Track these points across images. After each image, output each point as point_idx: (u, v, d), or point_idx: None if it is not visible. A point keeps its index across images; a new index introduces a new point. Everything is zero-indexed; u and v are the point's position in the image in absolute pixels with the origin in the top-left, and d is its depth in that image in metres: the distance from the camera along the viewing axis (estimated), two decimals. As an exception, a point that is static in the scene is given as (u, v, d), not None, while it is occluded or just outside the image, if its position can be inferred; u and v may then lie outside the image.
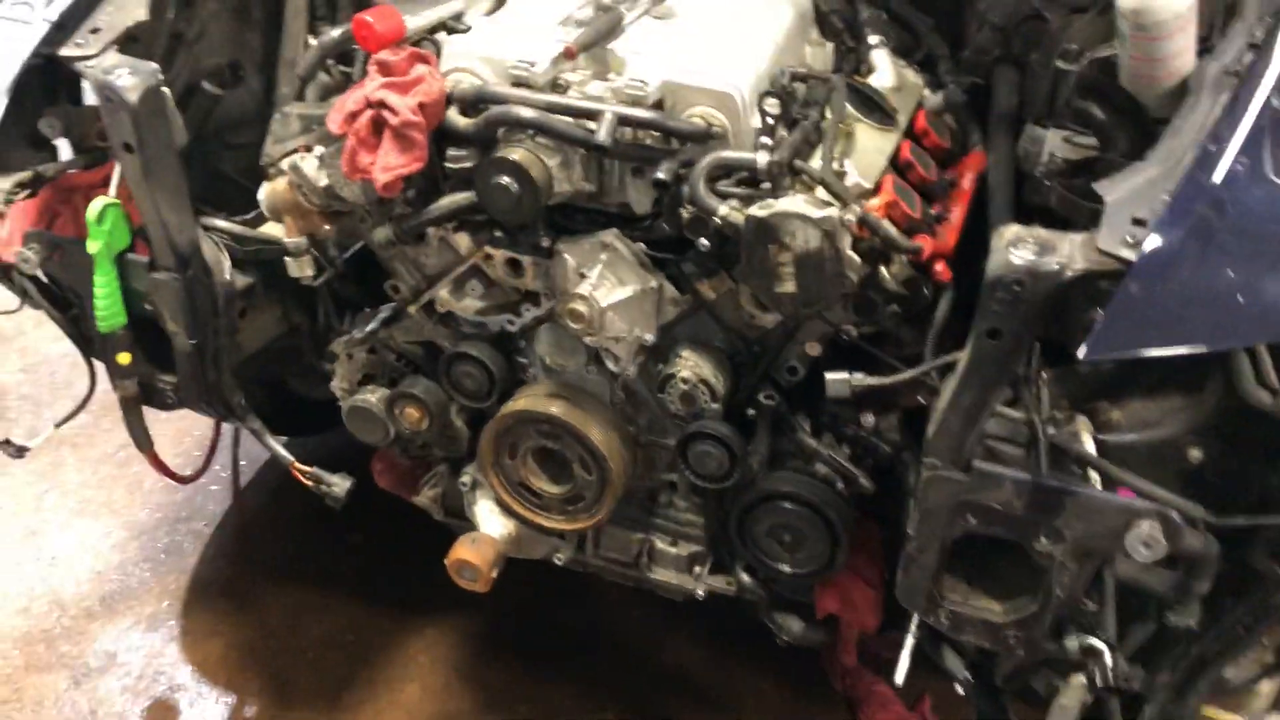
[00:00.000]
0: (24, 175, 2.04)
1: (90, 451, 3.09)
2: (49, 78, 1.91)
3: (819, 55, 1.86)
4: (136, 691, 2.46)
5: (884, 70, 1.86)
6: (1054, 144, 1.69)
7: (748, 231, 1.54)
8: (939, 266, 1.65)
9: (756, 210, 1.53)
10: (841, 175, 1.62)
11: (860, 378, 1.60)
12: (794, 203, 1.52)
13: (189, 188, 2.00)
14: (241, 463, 3.06)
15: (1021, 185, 1.79)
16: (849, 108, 1.70)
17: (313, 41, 2.11)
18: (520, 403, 1.83)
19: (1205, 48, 1.58)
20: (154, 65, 1.71)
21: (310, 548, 2.77)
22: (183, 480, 2.40)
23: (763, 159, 1.55)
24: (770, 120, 1.61)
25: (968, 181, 1.84)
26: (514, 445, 1.87)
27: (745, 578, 1.92)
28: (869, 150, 1.70)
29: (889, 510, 1.87)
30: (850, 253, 1.52)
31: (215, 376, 1.97)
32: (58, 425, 2.22)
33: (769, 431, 1.79)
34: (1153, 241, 1.29)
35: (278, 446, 2.06)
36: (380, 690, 2.47)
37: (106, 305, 1.83)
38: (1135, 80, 1.60)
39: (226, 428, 2.77)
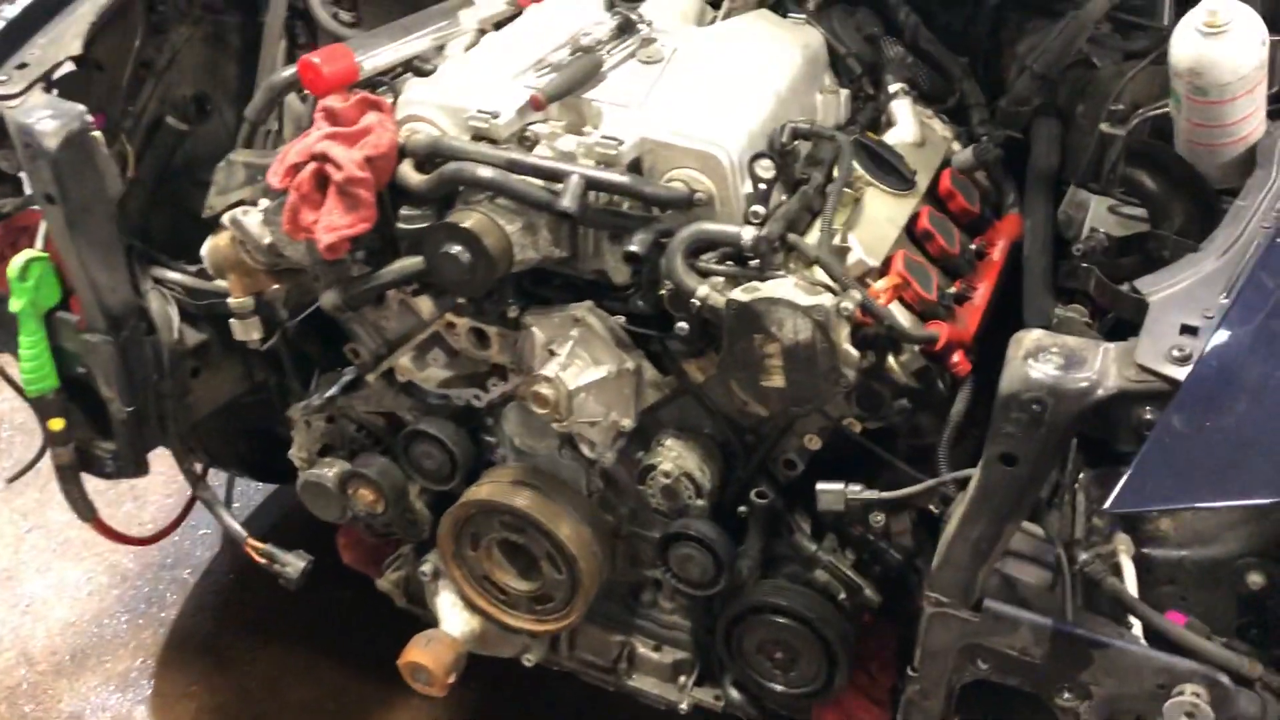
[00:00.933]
0: (-37, 220, 1.89)
1: (89, 484, 2.97)
2: None
3: (831, 104, 1.63)
4: (100, 759, 2.30)
5: (905, 123, 1.64)
6: (1098, 215, 1.47)
7: (729, 318, 1.33)
8: (957, 357, 1.42)
9: (739, 294, 1.32)
10: (844, 251, 1.40)
11: (857, 490, 1.38)
12: (782, 287, 1.30)
13: (157, 229, 1.86)
14: (235, 505, 2.90)
15: (1061, 254, 1.56)
16: (859, 170, 1.48)
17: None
18: (483, 490, 1.63)
19: (1277, 109, 1.35)
20: (80, 108, 1.54)
21: (298, 602, 2.58)
22: (141, 543, 2.24)
23: (748, 233, 1.34)
24: (763, 185, 1.40)
25: (998, 252, 1.62)
26: (475, 536, 1.67)
27: (734, 693, 1.70)
28: (879, 220, 1.48)
29: (904, 611, 1.64)
30: (846, 346, 1.30)
31: (161, 442, 1.80)
32: (10, 480, 2.07)
33: (761, 533, 1.58)
34: (1205, 359, 1.05)
35: (230, 520, 1.89)
36: (363, 763, 2.29)
37: (34, 368, 1.67)
38: (1193, 147, 1.37)
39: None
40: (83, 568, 2.72)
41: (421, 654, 1.66)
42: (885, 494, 1.37)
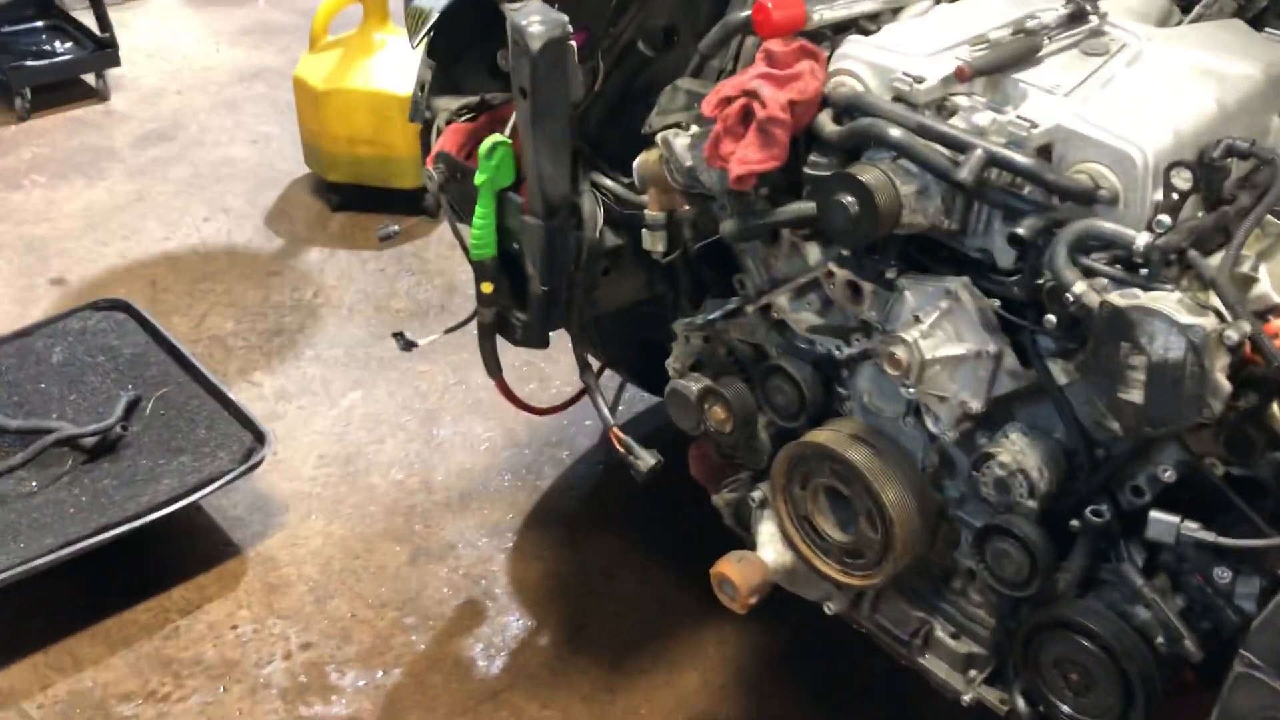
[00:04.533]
0: (472, 100, 2.21)
1: (506, 357, 3.37)
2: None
3: (1295, 130, 1.51)
4: (457, 587, 2.64)
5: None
6: None
7: (1100, 320, 1.29)
8: (1353, 425, 1.29)
9: (1116, 298, 1.28)
10: (1249, 281, 1.31)
11: (1193, 527, 1.30)
12: (1164, 299, 1.25)
13: (608, 141, 2.06)
14: (620, 408, 3.18)
15: None
16: (1293, 200, 1.37)
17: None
18: (822, 435, 1.70)
19: None
20: (564, 18, 1.76)
21: (652, 505, 2.80)
22: (535, 411, 2.52)
23: (1143, 239, 1.29)
24: (1175, 195, 1.34)
25: None
26: (806, 476, 1.75)
27: (1021, 703, 1.66)
28: (1306, 259, 1.36)
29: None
30: (1219, 376, 1.23)
31: (564, 323, 2.03)
32: (447, 331, 2.41)
33: (1088, 552, 1.52)
34: None
35: (603, 406, 2.09)
36: (661, 668, 2.46)
37: (480, 236, 1.94)
38: None
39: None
40: (486, 425, 3.10)
41: (733, 568, 1.77)
42: (1222, 539, 1.29)
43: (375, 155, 3.76)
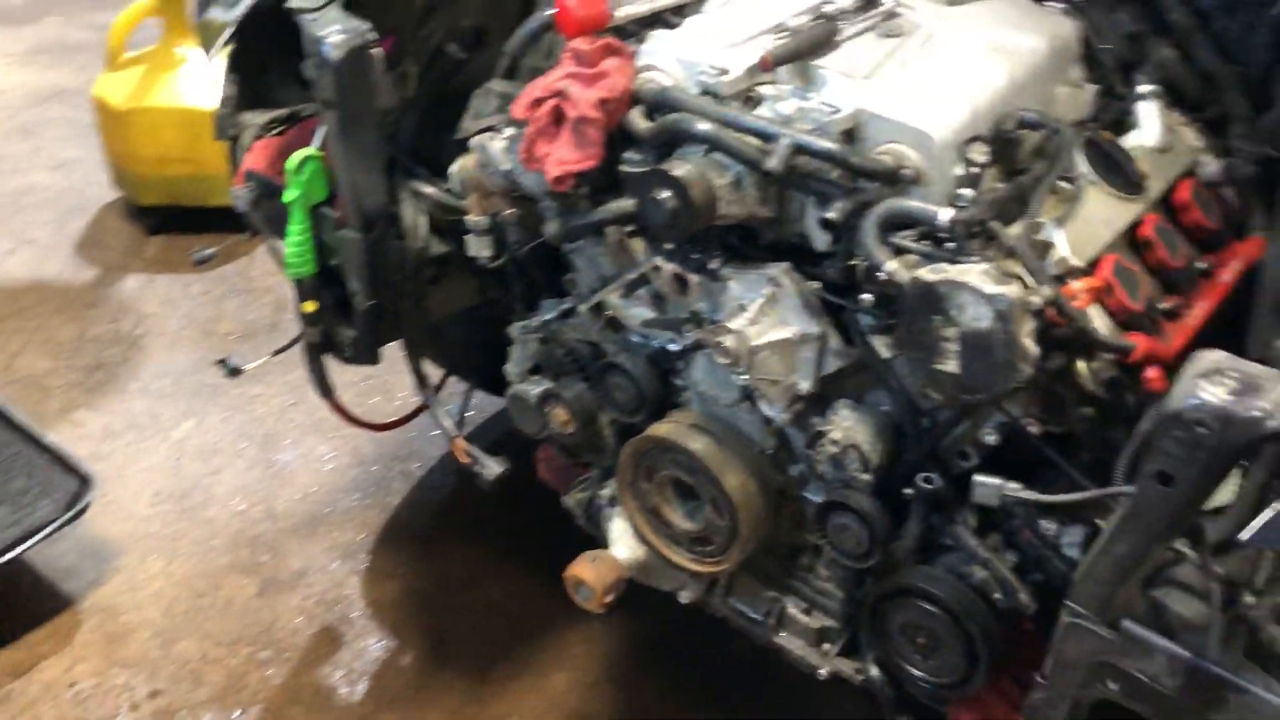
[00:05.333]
0: (281, 113, 2.13)
1: (347, 373, 3.27)
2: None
3: (1074, 99, 1.59)
4: (311, 615, 2.56)
5: (1150, 126, 1.57)
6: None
7: (911, 295, 1.33)
8: (1151, 373, 1.37)
9: (924, 273, 1.32)
10: (1046, 246, 1.37)
11: (1015, 488, 1.35)
12: (969, 271, 1.29)
13: (425, 147, 2.02)
14: (469, 414, 3.13)
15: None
16: (1082, 168, 1.44)
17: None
18: (663, 428, 1.71)
19: None
20: (365, 25, 1.71)
21: (508, 510, 2.77)
22: (375, 428, 2.47)
23: (945, 214, 1.34)
24: (975, 170, 1.38)
25: (1229, 273, 1.53)
26: (650, 470, 1.75)
27: (874, 670, 1.71)
28: (1094, 221, 1.43)
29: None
30: (1027, 341, 1.28)
31: (395, 336, 1.99)
32: (275, 353, 2.33)
33: (922, 518, 1.57)
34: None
35: (444, 419, 2.06)
36: (529, 672, 2.44)
37: (296, 254, 1.88)
38: None
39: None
40: (329, 444, 3.01)
41: (586, 570, 1.76)
42: (1042, 496, 1.34)
43: (189, 174, 3.60)
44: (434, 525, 2.82)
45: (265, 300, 3.56)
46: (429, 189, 1.97)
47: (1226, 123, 1.65)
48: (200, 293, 3.58)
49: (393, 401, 3.12)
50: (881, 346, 1.54)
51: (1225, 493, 1.15)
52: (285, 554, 2.71)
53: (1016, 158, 1.45)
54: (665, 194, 1.47)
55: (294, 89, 2.15)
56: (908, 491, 1.59)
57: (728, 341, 1.54)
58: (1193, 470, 1.08)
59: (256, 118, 2.15)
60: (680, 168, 1.47)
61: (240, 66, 2.11)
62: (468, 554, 2.70)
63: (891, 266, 1.35)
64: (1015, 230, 1.36)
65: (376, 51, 1.73)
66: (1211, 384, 1.05)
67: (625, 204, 1.58)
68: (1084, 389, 1.37)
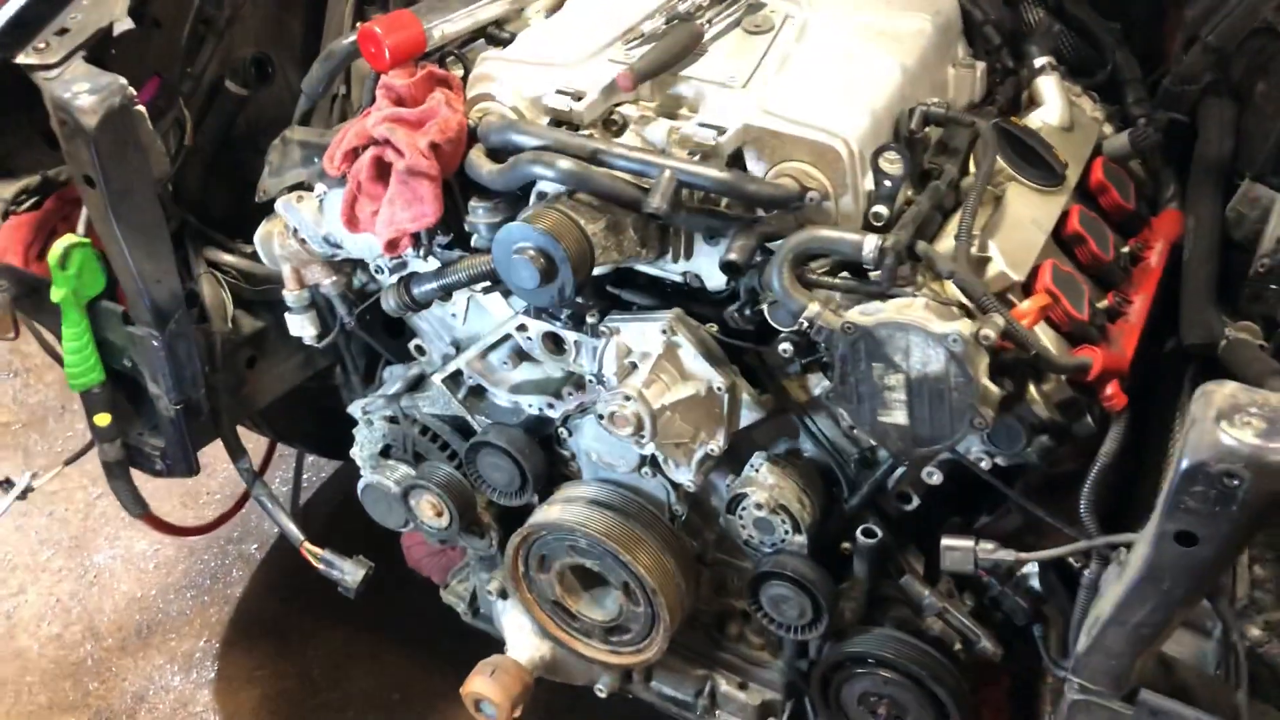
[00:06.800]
0: (31, 181, 1.76)
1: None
2: None
3: (966, 80, 1.41)
4: (160, 743, 2.22)
5: (1052, 103, 1.41)
6: (1285, 221, 1.24)
7: (844, 343, 1.13)
8: (1111, 389, 1.21)
9: (857, 316, 1.12)
10: (983, 262, 1.19)
11: (990, 549, 1.18)
12: (910, 310, 1.10)
13: (216, 203, 1.71)
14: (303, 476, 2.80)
15: (1229, 261, 1.33)
16: (1000, 162, 1.27)
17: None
18: (553, 511, 1.47)
19: None
20: (121, 80, 1.38)
21: (370, 587, 2.47)
22: (198, 531, 2.14)
23: (870, 243, 1.13)
24: (888, 183, 1.19)
25: (1156, 256, 1.39)
26: (544, 559, 1.51)
27: (829, 741, 1.53)
28: (1023, 222, 1.26)
29: (1018, 657, 1.45)
30: (985, 381, 1.10)
31: (213, 437, 1.67)
32: (67, 463, 1.97)
33: (868, 575, 1.39)
34: None
35: (287, 522, 1.76)
36: (421, 765, 2.18)
37: (77, 360, 1.54)
38: None
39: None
40: (150, 539, 2.64)
41: (487, 685, 1.51)
42: (1024, 555, 1.17)
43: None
44: (287, 613, 2.49)
45: (50, 379, 3.11)
46: (229, 258, 1.66)
47: (1119, 87, 1.52)
48: (-32, 381, 3.10)
49: (214, 477, 2.76)
50: (797, 390, 1.34)
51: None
52: (117, 677, 2.35)
53: (923, 159, 1.27)
54: (531, 253, 1.21)
55: (40, 149, 1.79)
56: (846, 546, 1.41)
57: (625, 409, 1.30)
58: (1220, 528, 0.91)
59: (2, 189, 1.78)
60: (544, 219, 1.21)
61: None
62: (330, 641, 2.40)
63: (814, 310, 1.15)
64: (946, 249, 1.17)
65: (138, 109, 1.40)
66: (1234, 427, 0.89)
67: (479, 263, 1.32)
68: (1039, 416, 1.20)
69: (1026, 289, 1.22)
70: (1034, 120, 1.40)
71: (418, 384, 1.63)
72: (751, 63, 1.29)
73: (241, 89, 1.77)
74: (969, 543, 1.19)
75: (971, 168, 1.29)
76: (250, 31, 1.80)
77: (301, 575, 2.56)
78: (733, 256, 1.18)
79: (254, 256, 1.67)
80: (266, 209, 1.81)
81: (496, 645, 2.28)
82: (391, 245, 1.31)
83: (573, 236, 1.21)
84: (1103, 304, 1.29)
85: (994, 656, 1.39)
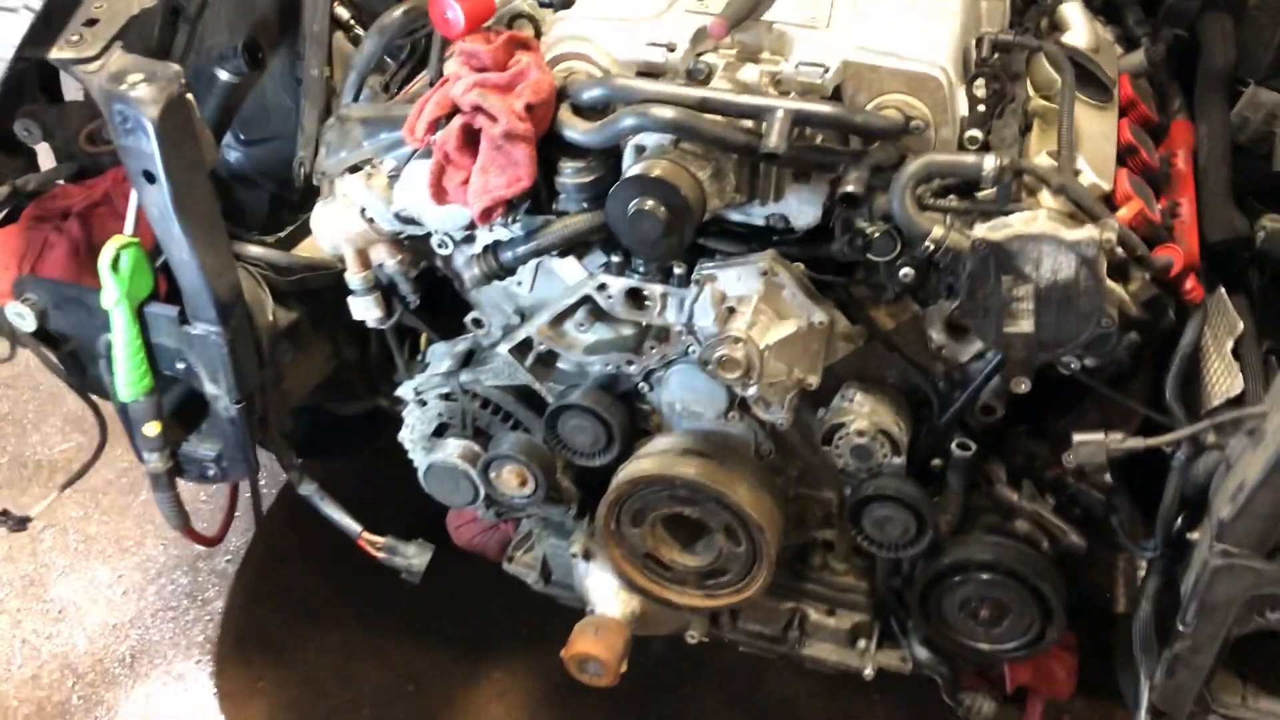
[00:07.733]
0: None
1: (89, 478, 2.73)
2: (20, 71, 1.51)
3: (996, 10, 1.49)
4: (172, 773, 2.13)
5: (1079, 27, 1.50)
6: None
7: (975, 260, 1.19)
8: (1190, 283, 1.31)
9: (988, 232, 1.18)
10: (1076, 175, 1.27)
11: (1118, 440, 1.26)
12: (1040, 221, 1.16)
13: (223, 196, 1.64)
14: (261, 483, 2.70)
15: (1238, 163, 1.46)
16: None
17: (341, 13, 1.73)
18: (646, 464, 1.48)
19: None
20: (175, 67, 1.32)
21: (352, 582, 2.41)
22: (212, 541, 2.04)
23: (989, 163, 1.19)
24: (981, 107, 1.25)
25: (1182, 161, 1.50)
26: (639, 513, 1.52)
27: (924, 653, 1.60)
28: (1094, 136, 1.35)
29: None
30: (1111, 283, 1.18)
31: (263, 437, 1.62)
32: (62, 489, 1.87)
33: (963, 488, 1.46)
34: None
35: (340, 515, 1.71)
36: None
37: (132, 369, 1.45)
38: None
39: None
40: (112, 564, 2.53)
41: (593, 644, 1.52)
42: (1150, 440, 1.26)
43: None
44: (275, 622, 2.41)
45: (22, 386, 2.91)
46: (256, 249, 1.60)
47: (1117, 9, 1.62)
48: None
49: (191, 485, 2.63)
50: (884, 318, 1.40)
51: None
52: (111, 711, 2.24)
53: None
54: (651, 203, 1.22)
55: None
56: (936, 462, 1.47)
57: (735, 352, 1.33)
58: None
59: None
60: (659, 168, 1.23)
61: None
62: (328, 644, 2.33)
63: (939, 233, 1.20)
64: (1044, 163, 1.25)
65: (189, 97, 1.34)
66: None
67: (585, 221, 1.32)
68: (1128, 315, 1.29)
69: (1107, 198, 1.31)
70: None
71: (468, 359, 1.61)
72: (825, 5, 1.33)
73: (235, 76, 1.70)
74: (1099, 436, 1.27)
75: (1029, 90, 1.37)
76: (222, 18, 1.73)
77: (280, 581, 2.50)
78: (850, 188, 1.22)
79: (278, 246, 1.62)
80: (252, 195, 1.76)
81: (502, 626, 2.27)
82: (486, 214, 1.29)
83: (690, 185, 1.23)
84: (1160, 208, 1.39)
85: (1079, 550, 1.48)
